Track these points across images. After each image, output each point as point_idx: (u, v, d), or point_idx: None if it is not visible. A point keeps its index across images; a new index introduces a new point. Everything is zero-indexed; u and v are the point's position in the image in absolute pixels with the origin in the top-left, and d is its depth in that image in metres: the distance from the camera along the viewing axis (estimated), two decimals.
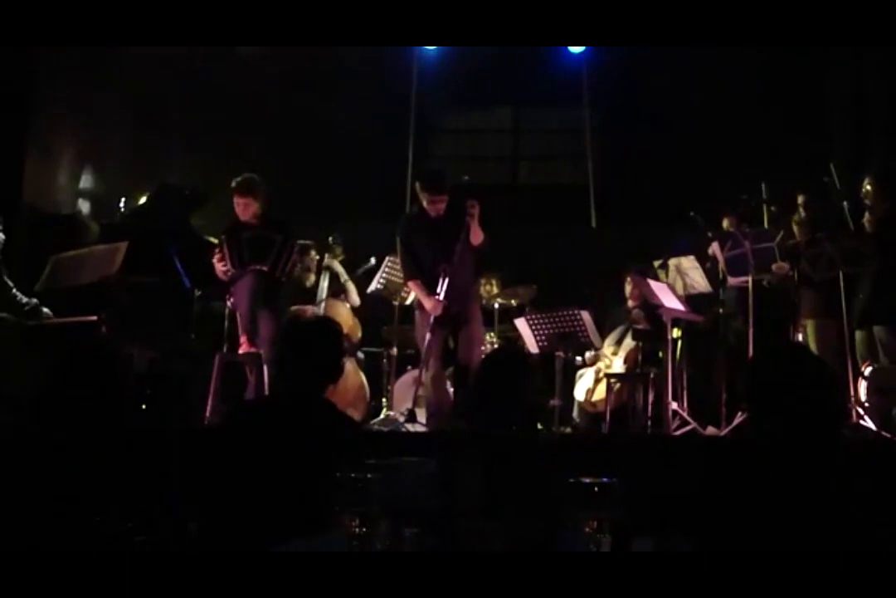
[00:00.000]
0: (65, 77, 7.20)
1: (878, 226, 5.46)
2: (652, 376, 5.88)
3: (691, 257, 6.14)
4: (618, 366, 6.28)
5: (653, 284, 5.83)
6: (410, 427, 5.49)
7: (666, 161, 7.92)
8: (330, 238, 6.51)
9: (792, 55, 7.46)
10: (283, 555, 1.95)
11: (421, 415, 5.64)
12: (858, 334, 5.52)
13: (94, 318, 5.28)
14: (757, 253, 5.63)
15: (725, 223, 6.33)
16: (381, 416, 6.09)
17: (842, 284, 5.38)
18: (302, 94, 8.00)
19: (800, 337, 5.61)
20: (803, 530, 2.08)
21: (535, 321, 5.87)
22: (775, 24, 5.27)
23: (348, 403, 5.83)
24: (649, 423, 5.74)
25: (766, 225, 6.11)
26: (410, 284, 5.62)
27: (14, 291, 5.28)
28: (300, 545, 2.05)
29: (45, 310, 5.40)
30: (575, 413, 6.44)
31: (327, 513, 1.94)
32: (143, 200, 6.89)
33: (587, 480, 1.88)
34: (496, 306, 6.55)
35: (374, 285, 6.40)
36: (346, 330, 5.98)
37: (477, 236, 5.39)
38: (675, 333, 5.94)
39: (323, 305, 6.28)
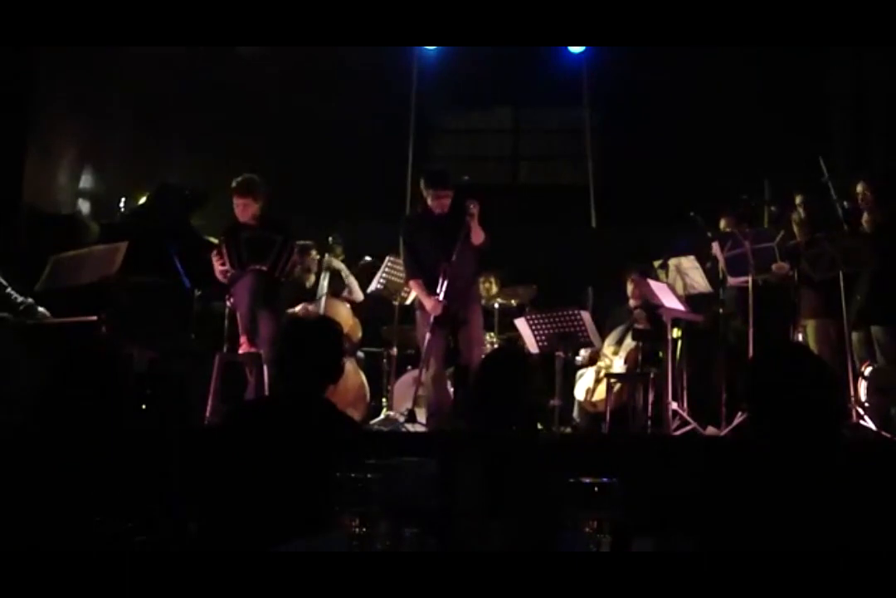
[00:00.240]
0: (65, 77, 7.21)
1: (876, 229, 5.46)
2: (652, 376, 5.87)
3: (691, 257, 6.14)
4: (618, 366, 6.28)
5: (653, 284, 5.83)
6: (410, 427, 5.49)
7: (666, 161, 7.92)
8: (330, 238, 6.50)
9: (792, 55, 7.46)
10: (283, 555, 1.95)
11: (421, 415, 5.64)
12: (855, 335, 5.52)
13: (94, 318, 5.28)
14: (757, 253, 5.63)
15: (723, 224, 6.33)
16: (381, 416, 6.09)
17: (842, 284, 5.38)
18: (302, 94, 8.00)
19: (800, 337, 5.60)
20: (803, 530, 2.08)
21: (535, 321, 5.86)
22: (775, 24, 5.27)
23: (348, 403, 5.83)
24: (649, 423, 5.74)
25: (766, 225, 6.11)
26: (411, 283, 5.63)
27: (8, 290, 5.28)
28: (300, 545, 2.05)
29: (41, 309, 5.41)
30: (575, 413, 6.43)
31: (327, 513, 1.94)
32: (143, 200, 6.89)
33: (587, 480, 1.88)
34: (496, 306, 6.55)
35: (374, 285, 6.39)
36: (346, 330, 5.98)
37: (478, 236, 5.40)
38: (675, 333, 5.94)
39: (323, 304, 6.27)
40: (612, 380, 6.12)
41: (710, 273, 6.10)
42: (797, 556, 1.95)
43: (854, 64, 7.70)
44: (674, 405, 5.55)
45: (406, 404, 5.80)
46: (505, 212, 7.08)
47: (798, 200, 5.88)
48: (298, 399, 2.83)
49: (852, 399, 5.24)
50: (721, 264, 5.90)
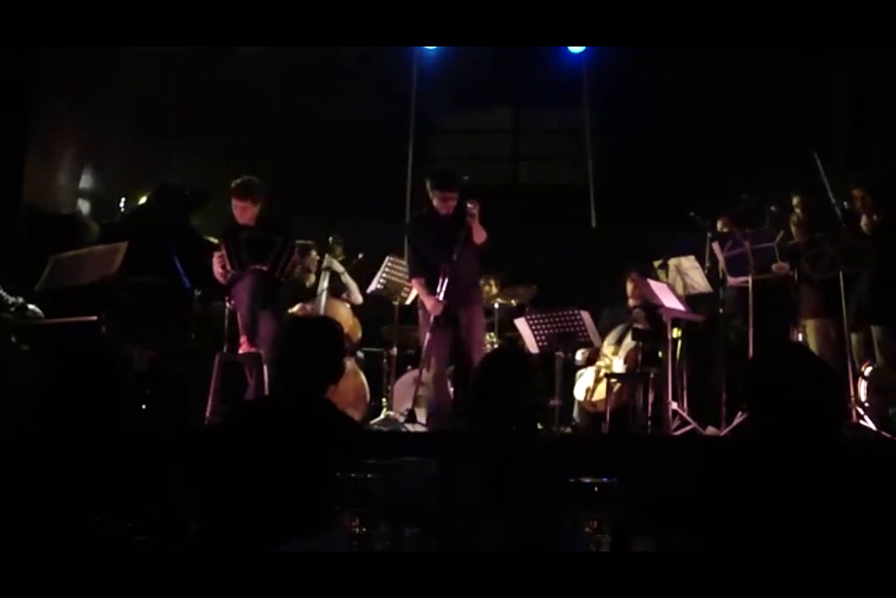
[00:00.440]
0: (65, 77, 7.20)
1: (874, 232, 5.47)
2: (652, 376, 5.87)
3: (691, 257, 6.14)
4: (618, 366, 6.28)
5: (653, 284, 5.83)
6: (410, 427, 5.49)
7: (666, 161, 7.92)
8: (330, 238, 6.51)
9: (792, 55, 7.46)
10: (283, 555, 1.95)
11: (421, 415, 5.65)
12: (854, 335, 5.53)
13: (94, 318, 5.29)
14: (757, 253, 5.64)
15: (720, 224, 6.33)
16: (381, 416, 6.09)
17: (842, 284, 5.38)
18: (302, 94, 8.00)
19: (800, 337, 5.61)
20: (803, 530, 2.08)
21: (535, 321, 5.86)
22: (775, 24, 5.27)
23: (348, 403, 5.82)
24: (649, 423, 5.73)
25: (766, 225, 6.11)
26: (414, 282, 5.68)
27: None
28: (300, 545, 2.05)
29: (32, 307, 5.40)
30: (575, 413, 6.43)
31: (327, 513, 1.94)
32: (143, 200, 6.89)
33: (587, 480, 1.88)
34: (496, 305, 6.55)
35: (374, 285, 6.40)
36: (346, 330, 5.97)
37: (480, 236, 5.43)
38: (675, 333, 5.94)
39: (323, 304, 6.27)
40: (613, 380, 6.12)
41: (710, 273, 6.10)
42: (797, 556, 1.95)
43: (854, 64, 7.70)
44: (674, 405, 5.55)
45: (406, 405, 5.80)
46: (505, 212, 7.08)
47: (795, 201, 5.89)
48: (298, 399, 2.83)
49: (852, 399, 5.24)
50: (721, 264, 5.90)
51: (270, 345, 5.25)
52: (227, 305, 5.75)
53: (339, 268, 6.54)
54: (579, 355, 6.48)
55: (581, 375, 6.47)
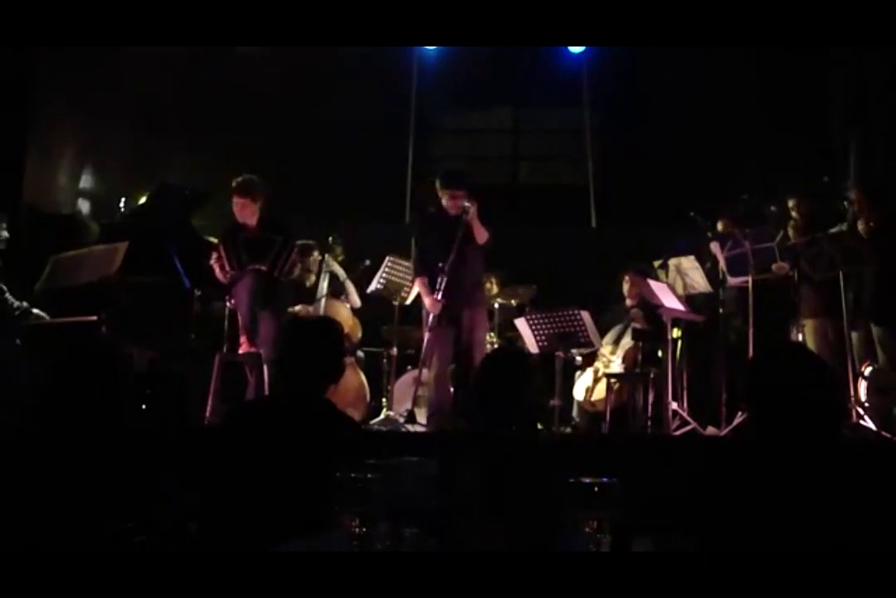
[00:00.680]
0: (65, 77, 7.20)
1: (872, 234, 5.47)
2: (652, 375, 5.87)
3: (691, 257, 6.14)
4: (616, 365, 6.28)
5: (653, 284, 5.82)
6: (410, 428, 5.50)
7: (666, 161, 7.92)
8: (330, 238, 6.51)
9: (792, 55, 7.46)
10: (283, 555, 1.95)
11: (421, 415, 5.65)
12: (855, 335, 5.53)
13: (94, 318, 5.29)
14: (757, 253, 5.64)
15: (721, 225, 6.33)
16: (381, 416, 6.09)
17: (842, 283, 5.38)
18: (302, 94, 8.00)
19: (800, 337, 5.61)
20: (803, 530, 2.08)
21: (535, 321, 5.86)
22: (775, 24, 5.27)
23: (348, 403, 5.83)
24: (649, 423, 5.73)
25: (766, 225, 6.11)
26: (417, 281, 5.70)
27: (6, 295, 5.31)
28: (300, 545, 2.05)
29: (36, 311, 5.42)
30: (574, 413, 6.43)
31: (327, 513, 1.94)
32: (143, 200, 6.89)
33: (587, 480, 1.88)
34: (496, 305, 6.55)
35: (374, 285, 6.39)
36: (346, 330, 5.98)
37: (481, 235, 5.44)
38: (675, 333, 5.94)
39: (323, 304, 6.28)
40: (612, 380, 6.12)
41: (710, 273, 6.10)
42: (797, 556, 1.95)
43: (854, 64, 7.69)
44: (674, 405, 5.55)
45: (406, 405, 5.80)
46: (505, 212, 7.08)
47: (791, 203, 5.90)
48: (298, 399, 2.83)
49: (852, 399, 5.24)
50: (721, 264, 5.90)
51: (270, 345, 5.25)
52: (227, 305, 5.75)
53: (340, 271, 6.54)
54: (578, 357, 6.48)
55: (580, 375, 6.47)
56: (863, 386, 5.35)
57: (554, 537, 2.03)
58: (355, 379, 6.22)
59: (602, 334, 6.22)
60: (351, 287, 6.57)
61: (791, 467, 2.17)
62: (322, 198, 7.77)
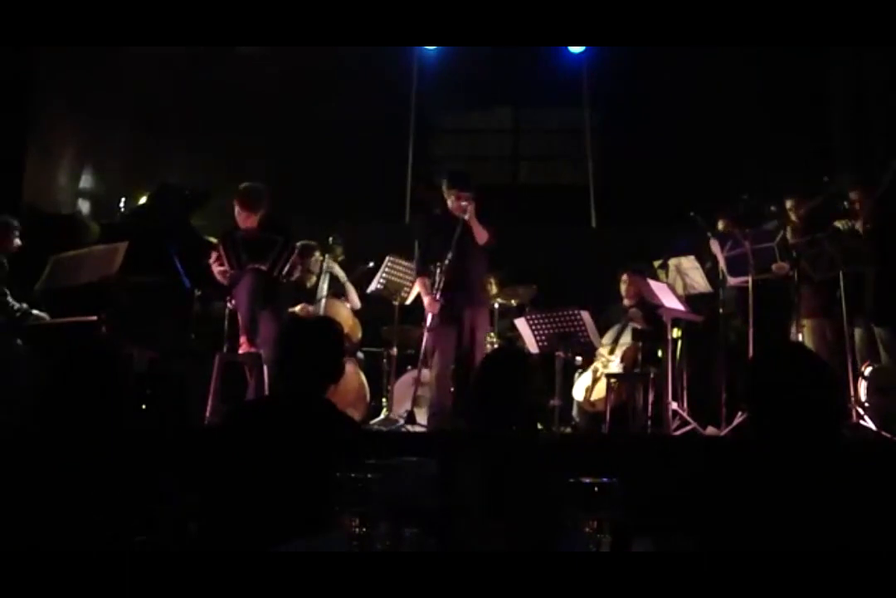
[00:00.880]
0: (65, 77, 7.20)
1: (869, 235, 5.47)
2: (652, 375, 5.87)
3: (691, 257, 6.14)
4: (614, 365, 6.27)
5: (653, 284, 5.82)
6: (410, 428, 5.50)
7: (666, 161, 7.92)
8: (330, 239, 6.51)
9: (792, 55, 7.46)
10: (283, 555, 1.95)
11: (420, 415, 5.65)
12: (858, 335, 5.53)
13: (94, 318, 5.29)
14: (757, 253, 5.64)
15: (721, 225, 6.33)
16: (381, 416, 6.09)
17: (842, 283, 5.39)
18: (302, 94, 8.00)
19: (800, 337, 5.61)
20: (803, 530, 2.08)
21: (535, 321, 5.86)
22: (775, 24, 5.27)
23: (348, 403, 5.82)
24: (649, 423, 5.73)
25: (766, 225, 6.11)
26: (418, 280, 5.72)
27: (8, 297, 5.32)
28: (300, 545, 2.05)
29: (36, 312, 5.43)
30: (574, 413, 6.43)
31: (327, 513, 1.94)
32: (143, 200, 6.89)
33: (587, 480, 1.88)
34: (496, 305, 6.55)
35: (374, 285, 6.39)
36: (346, 330, 5.97)
37: (481, 236, 5.44)
38: (675, 333, 5.94)
39: (323, 305, 6.28)
40: (612, 380, 6.12)
41: (710, 273, 6.10)
42: (797, 556, 1.95)
43: (854, 64, 7.69)
44: (674, 405, 5.55)
45: (405, 405, 5.80)
46: (505, 212, 7.08)
47: (789, 204, 5.90)
48: (298, 399, 2.83)
49: (852, 399, 5.24)
50: (721, 264, 5.90)
51: (270, 345, 5.24)
52: (227, 305, 5.75)
53: (340, 273, 6.54)
54: (578, 357, 6.49)
55: (580, 375, 6.47)
56: (863, 386, 5.35)
57: (554, 537, 2.03)
58: (355, 379, 6.21)
59: (601, 334, 6.22)
60: (351, 289, 6.57)
61: (791, 468, 2.17)
62: (322, 198, 7.77)
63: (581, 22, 5.36)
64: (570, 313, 5.76)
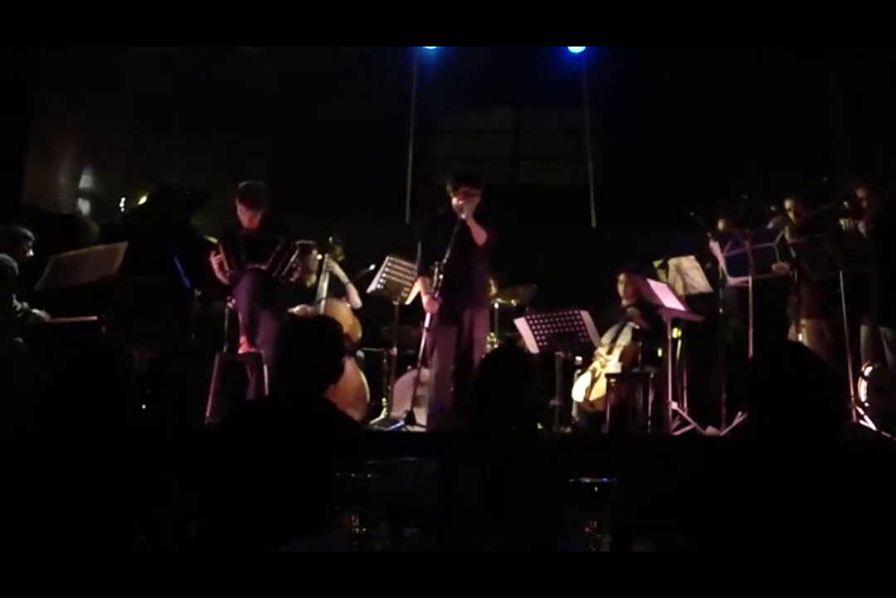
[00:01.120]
0: (65, 77, 7.20)
1: (872, 235, 5.47)
2: (652, 375, 5.87)
3: (691, 257, 6.14)
4: (612, 365, 6.27)
5: (653, 283, 5.82)
6: (410, 428, 5.50)
7: (666, 161, 7.92)
8: (330, 238, 6.51)
9: (792, 55, 7.46)
10: (283, 555, 1.95)
11: (420, 415, 5.65)
12: (863, 334, 5.53)
13: (94, 318, 5.30)
14: (757, 253, 5.64)
15: (721, 224, 6.33)
16: (381, 416, 6.09)
17: (842, 283, 5.38)
18: (302, 94, 8.00)
19: (800, 336, 5.61)
20: (803, 530, 2.08)
21: (535, 321, 5.86)
22: (775, 24, 5.27)
23: (348, 403, 5.82)
24: (649, 423, 5.73)
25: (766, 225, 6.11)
26: (419, 280, 5.74)
27: (14, 300, 5.33)
28: (300, 545, 2.05)
29: (37, 311, 5.43)
30: (574, 413, 6.43)
31: (327, 513, 1.94)
32: (143, 200, 6.89)
33: (587, 480, 1.88)
34: (496, 306, 6.55)
35: (374, 285, 6.39)
36: (346, 330, 5.98)
37: (480, 235, 5.45)
38: (675, 333, 5.94)
39: (323, 305, 6.28)
40: (612, 380, 6.12)
41: (710, 273, 6.10)
42: (797, 556, 1.95)
43: (854, 64, 7.70)
44: (674, 405, 5.55)
45: (405, 406, 5.80)
46: (505, 212, 7.09)
47: (788, 204, 5.90)
48: (298, 399, 2.83)
49: (852, 399, 5.24)
50: (721, 264, 5.90)
51: (270, 345, 5.24)
52: (228, 305, 5.75)
53: (341, 274, 6.55)
54: (578, 357, 6.48)
55: (579, 376, 6.47)
56: (863, 386, 5.35)
57: (554, 537, 2.03)
58: (355, 379, 6.21)
59: (600, 334, 6.22)
60: (352, 288, 6.56)
61: (791, 468, 2.17)
62: (322, 198, 7.77)
63: (581, 22, 5.36)
64: (570, 313, 5.76)
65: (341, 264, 6.61)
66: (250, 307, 5.43)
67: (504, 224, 5.73)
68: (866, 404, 5.28)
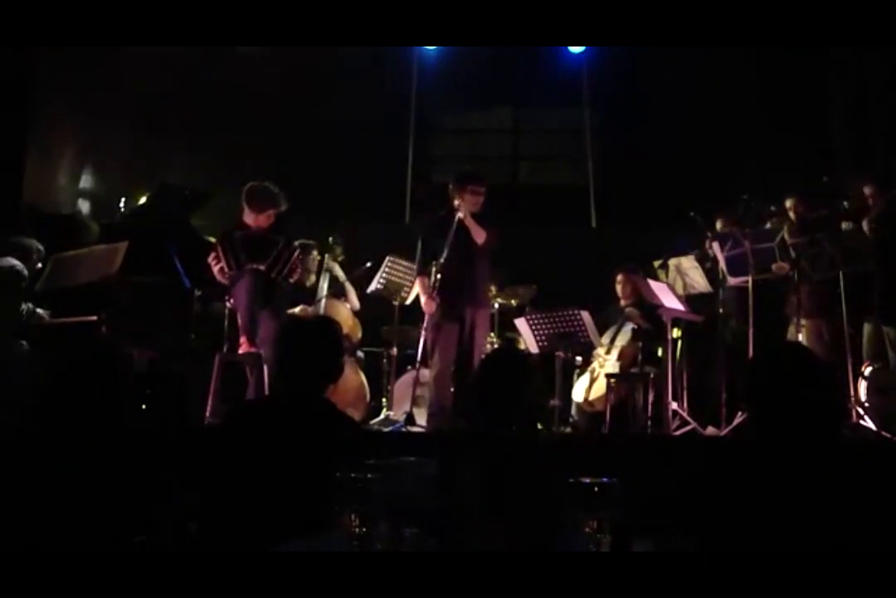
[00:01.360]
0: (65, 77, 7.20)
1: (877, 231, 5.46)
2: (652, 375, 5.87)
3: (691, 257, 6.15)
4: (611, 365, 6.27)
5: (652, 283, 5.82)
6: (410, 428, 5.50)
7: (666, 161, 7.92)
8: (330, 239, 6.51)
9: (792, 55, 7.46)
10: (283, 555, 1.95)
11: (420, 415, 5.66)
12: (867, 330, 5.53)
13: (94, 318, 5.29)
14: (757, 253, 5.64)
15: (719, 225, 6.33)
16: (381, 416, 6.09)
17: (842, 283, 5.38)
18: (302, 94, 8.00)
19: (800, 336, 5.61)
20: (803, 530, 2.08)
21: (535, 321, 5.86)
22: (775, 24, 5.27)
23: (348, 403, 5.82)
24: (649, 423, 5.73)
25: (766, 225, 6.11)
26: (418, 280, 5.73)
27: (21, 306, 5.35)
28: (300, 545, 2.05)
29: (40, 311, 5.45)
30: (574, 413, 6.43)
31: (327, 513, 1.94)
32: (143, 200, 6.89)
33: (587, 480, 1.88)
34: (496, 305, 6.55)
35: (374, 285, 6.40)
36: (346, 330, 5.98)
37: (479, 236, 5.44)
38: (675, 333, 5.94)
39: (323, 305, 6.28)
40: (612, 380, 6.11)
41: (710, 273, 6.10)
42: (797, 556, 1.95)
43: (854, 64, 7.70)
44: (674, 405, 5.55)
45: (405, 406, 5.80)
46: (505, 212, 7.09)
47: (788, 203, 5.90)
48: (298, 399, 2.83)
49: (852, 399, 5.24)
50: (721, 264, 5.90)
51: (270, 345, 5.24)
52: (228, 305, 5.75)
53: (340, 273, 6.55)
54: (578, 357, 6.48)
55: (578, 376, 6.46)
56: (863, 386, 5.35)
57: (554, 537, 2.03)
58: (355, 379, 6.21)
59: (600, 334, 6.22)
60: (350, 289, 6.56)
61: (791, 468, 2.17)
62: (322, 198, 7.76)
63: (581, 22, 5.36)
64: (570, 313, 5.76)
65: (341, 264, 6.62)
66: (250, 307, 5.43)
67: (504, 224, 5.73)
68: (866, 404, 5.28)
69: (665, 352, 5.83)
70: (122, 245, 5.44)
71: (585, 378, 6.36)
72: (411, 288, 6.16)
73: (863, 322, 5.60)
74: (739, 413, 5.21)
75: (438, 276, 5.39)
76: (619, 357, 6.22)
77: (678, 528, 2.16)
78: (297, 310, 6.15)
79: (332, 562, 1.79)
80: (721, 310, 6.06)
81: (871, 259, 5.39)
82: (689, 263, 6.12)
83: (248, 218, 5.50)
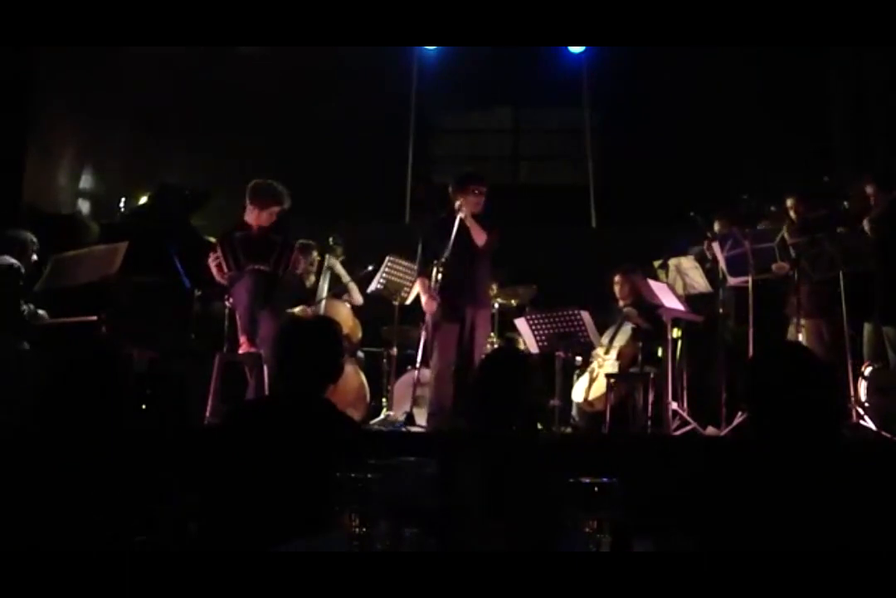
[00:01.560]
0: (65, 77, 7.20)
1: (878, 231, 5.46)
2: (652, 375, 5.87)
3: (691, 257, 6.15)
4: (610, 365, 6.27)
5: (652, 283, 5.82)
6: (410, 428, 5.50)
7: (666, 161, 7.92)
8: (330, 239, 6.51)
9: (792, 55, 7.46)
10: (283, 555, 1.95)
11: (420, 415, 5.66)
12: (867, 329, 5.52)
13: (94, 318, 5.30)
14: (757, 253, 5.63)
15: (717, 225, 6.32)
16: (381, 416, 6.09)
17: (842, 283, 5.38)
18: (302, 94, 8.00)
19: (799, 336, 5.61)
20: (803, 530, 2.08)
21: (535, 321, 5.86)
22: (775, 24, 5.27)
23: (348, 403, 5.82)
24: (649, 423, 5.73)
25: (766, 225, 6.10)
26: (418, 280, 5.72)
27: (21, 305, 5.35)
28: (300, 545, 2.05)
29: (41, 312, 5.45)
30: (574, 413, 6.43)
31: (327, 513, 1.94)
32: (143, 200, 6.89)
33: (587, 480, 1.88)
34: (496, 305, 6.55)
35: (374, 285, 6.40)
36: (346, 330, 5.99)
37: (479, 236, 5.45)
38: (675, 333, 5.94)
39: (323, 305, 6.28)
40: (612, 380, 6.11)
41: (710, 273, 6.10)
42: (797, 556, 1.95)
43: (854, 64, 7.70)
44: (674, 405, 5.55)
45: (405, 406, 5.80)
46: (505, 212, 7.09)
47: (789, 203, 5.90)
48: (298, 399, 2.83)
49: (852, 399, 5.24)
50: (721, 264, 5.90)
51: (270, 345, 5.24)
52: (227, 305, 5.75)
53: (340, 270, 6.54)
54: (578, 357, 6.48)
55: (578, 376, 6.46)
56: (863, 386, 5.35)
57: (554, 537, 2.03)
58: (355, 379, 6.22)
59: (600, 334, 6.22)
60: (353, 286, 6.56)
61: (791, 468, 2.17)
62: (322, 198, 7.76)
63: (581, 22, 5.36)
64: (570, 313, 5.76)
65: (342, 264, 6.61)
66: (250, 307, 5.43)
67: (504, 224, 5.73)
68: (866, 404, 5.28)
69: (665, 352, 5.83)
70: (122, 245, 5.43)
71: (585, 378, 6.36)
72: (411, 288, 6.16)
73: (863, 322, 5.59)
74: (739, 413, 5.20)
75: (439, 276, 5.39)
76: (618, 357, 6.22)
77: (678, 528, 2.16)
78: (297, 310, 6.15)
79: (332, 562, 1.79)
80: (721, 310, 6.06)
81: (871, 259, 5.39)
82: (689, 263, 6.12)
83: (250, 216, 5.50)
